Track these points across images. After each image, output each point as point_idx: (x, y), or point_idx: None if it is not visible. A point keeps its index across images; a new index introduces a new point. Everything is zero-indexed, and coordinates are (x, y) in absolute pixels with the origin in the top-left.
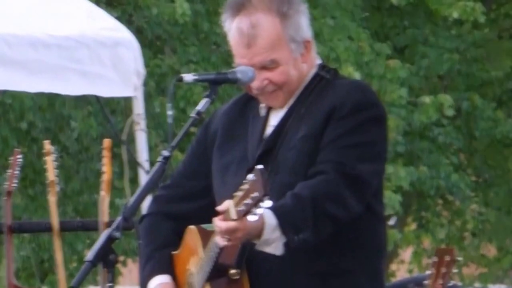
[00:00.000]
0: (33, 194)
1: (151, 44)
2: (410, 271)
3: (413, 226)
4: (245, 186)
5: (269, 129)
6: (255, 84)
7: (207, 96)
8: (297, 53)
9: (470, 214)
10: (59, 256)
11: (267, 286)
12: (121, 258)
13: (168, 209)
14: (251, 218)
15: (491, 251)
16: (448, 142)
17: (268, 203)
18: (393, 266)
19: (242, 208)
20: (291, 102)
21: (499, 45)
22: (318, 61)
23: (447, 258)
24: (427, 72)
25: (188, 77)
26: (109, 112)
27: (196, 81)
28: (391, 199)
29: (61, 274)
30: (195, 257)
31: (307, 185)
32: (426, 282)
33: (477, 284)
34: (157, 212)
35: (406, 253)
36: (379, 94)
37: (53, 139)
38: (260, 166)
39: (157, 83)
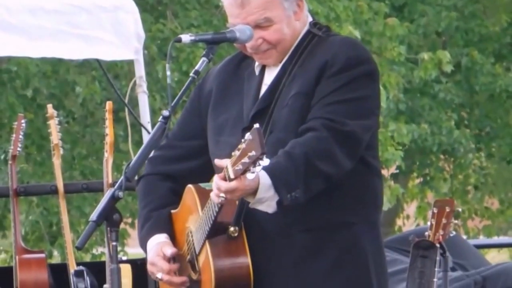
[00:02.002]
0: (40, 159)
1: (153, 9)
2: (417, 226)
3: (417, 181)
4: (242, 146)
5: (264, 88)
6: (249, 44)
7: (204, 56)
8: (290, 11)
9: (472, 168)
10: (65, 218)
11: (265, 243)
12: (129, 220)
13: (165, 169)
14: (249, 176)
15: (494, 204)
16: (448, 98)
17: (265, 161)
18: (399, 221)
19: (239, 167)
20: (284, 60)
21: (495, 0)
22: (310, 19)
23: (447, 209)
24: (426, 29)
25: (186, 37)
26: (112, 76)
27: (194, 41)
28: (394, 155)
29: (67, 235)
30: (194, 215)
31: (298, 142)
32: (427, 233)
33: (481, 236)
34: (154, 173)
35: (411, 208)
36: (379, 52)
37: (58, 105)
38: (256, 125)
39: (159, 48)
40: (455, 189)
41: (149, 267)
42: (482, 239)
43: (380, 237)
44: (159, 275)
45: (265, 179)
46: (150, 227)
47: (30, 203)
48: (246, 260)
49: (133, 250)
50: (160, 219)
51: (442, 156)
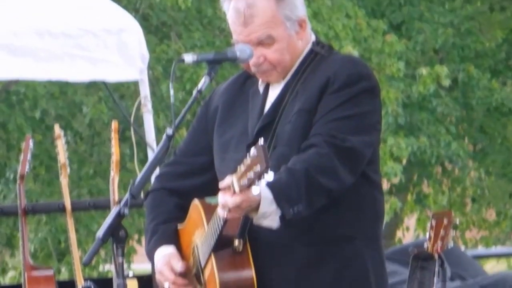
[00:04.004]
0: (48, 179)
1: (157, 30)
2: (417, 237)
3: (415, 195)
4: (247, 161)
5: (268, 105)
6: (252, 61)
7: (207, 75)
8: (292, 31)
9: (469, 181)
10: (72, 235)
11: (268, 256)
12: (136, 236)
13: (172, 185)
14: (254, 190)
15: (492, 215)
16: (446, 112)
17: (270, 176)
18: (399, 233)
19: (245, 181)
20: (287, 78)
21: (490, 17)
22: (313, 37)
23: (445, 221)
24: (423, 46)
25: (189, 57)
26: (118, 97)
27: (196, 61)
28: (393, 169)
29: (75, 252)
30: (199, 229)
31: (300, 158)
32: (425, 244)
33: (480, 247)
34: (161, 188)
35: (411, 220)
36: (378, 68)
37: (66, 125)
38: (261, 140)
39: (164, 68)
40: (453, 201)
41: (158, 276)
42: (480, 250)
43: (381, 251)
44: (166, 285)
45: (266, 194)
46: (157, 240)
47: (39, 221)
48: (250, 273)
49: (140, 266)
50: (167, 232)
51: (440, 170)
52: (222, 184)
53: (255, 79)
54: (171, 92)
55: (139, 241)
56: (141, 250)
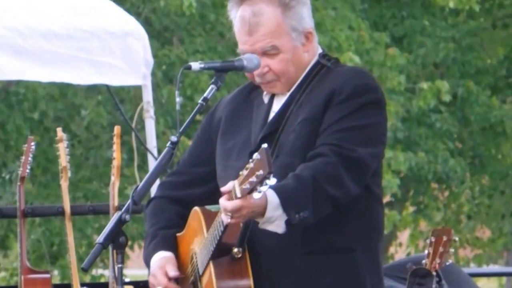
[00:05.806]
0: (45, 181)
1: (159, 35)
2: (408, 254)
3: (411, 209)
4: (250, 165)
5: (272, 115)
6: (256, 71)
7: (213, 83)
8: (297, 42)
9: (465, 198)
10: (70, 239)
11: (267, 264)
12: (129, 242)
13: (174, 194)
14: (256, 195)
15: (485, 233)
16: (444, 128)
17: (272, 180)
18: (392, 249)
19: (246, 186)
20: (292, 89)
21: (493, 34)
22: (320, 50)
23: (444, 238)
24: (424, 60)
25: (196, 65)
26: (118, 101)
27: (203, 69)
28: (390, 182)
29: (72, 256)
30: (199, 237)
31: (308, 166)
32: (424, 261)
33: (472, 265)
34: (163, 196)
35: (404, 236)
36: (379, 81)
37: (64, 127)
38: (265, 145)
39: (165, 73)
40: (448, 218)
41: (150, 279)
42: (474, 268)
43: (380, 265)
44: None
45: (273, 198)
46: (156, 244)
47: (32, 222)
48: (248, 282)
49: (132, 271)
50: (166, 237)
51: (436, 185)
52: (223, 188)
53: (260, 90)
54: (177, 99)
55: (131, 247)
56: (133, 255)
